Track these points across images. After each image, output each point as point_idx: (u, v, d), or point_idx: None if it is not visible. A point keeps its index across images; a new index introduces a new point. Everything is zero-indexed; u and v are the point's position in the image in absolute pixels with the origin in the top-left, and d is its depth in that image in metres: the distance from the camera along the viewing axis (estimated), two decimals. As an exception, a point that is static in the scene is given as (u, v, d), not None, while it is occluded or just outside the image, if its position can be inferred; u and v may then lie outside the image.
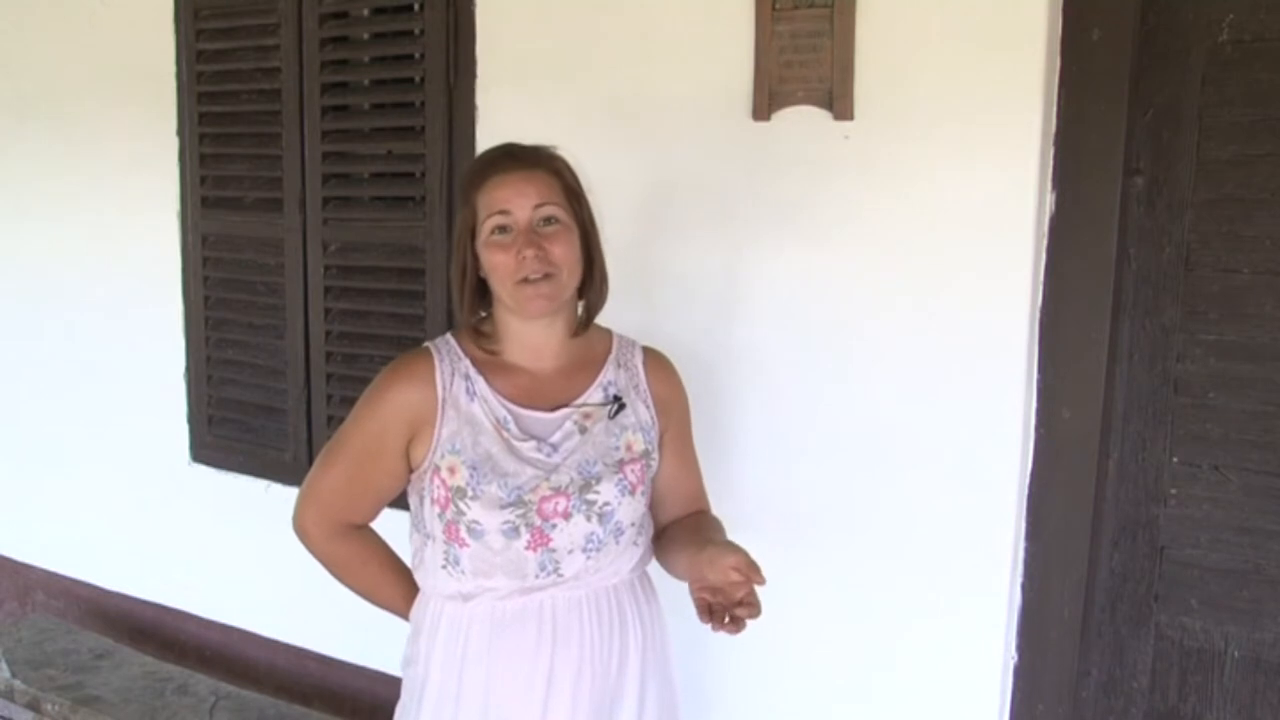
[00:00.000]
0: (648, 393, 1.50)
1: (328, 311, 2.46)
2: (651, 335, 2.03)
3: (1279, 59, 1.57)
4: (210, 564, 2.75)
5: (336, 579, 1.52)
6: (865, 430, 1.85)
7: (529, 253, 1.35)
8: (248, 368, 2.63)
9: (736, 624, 1.27)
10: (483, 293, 1.43)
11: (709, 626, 1.28)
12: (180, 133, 2.62)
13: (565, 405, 1.43)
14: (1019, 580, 1.78)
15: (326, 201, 2.42)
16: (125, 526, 2.91)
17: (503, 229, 1.37)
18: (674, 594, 2.13)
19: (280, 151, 2.46)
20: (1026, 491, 1.75)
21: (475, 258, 1.40)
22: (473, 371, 1.41)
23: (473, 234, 1.40)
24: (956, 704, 1.82)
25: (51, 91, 2.88)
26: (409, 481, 1.44)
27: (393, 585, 1.52)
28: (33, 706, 2.51)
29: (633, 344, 1.54)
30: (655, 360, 1.54)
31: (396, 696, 1.54)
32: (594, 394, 1.45)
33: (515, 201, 1.37)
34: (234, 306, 2.63)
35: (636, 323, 2.01)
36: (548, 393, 1.43)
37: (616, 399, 1.46)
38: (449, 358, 1.41)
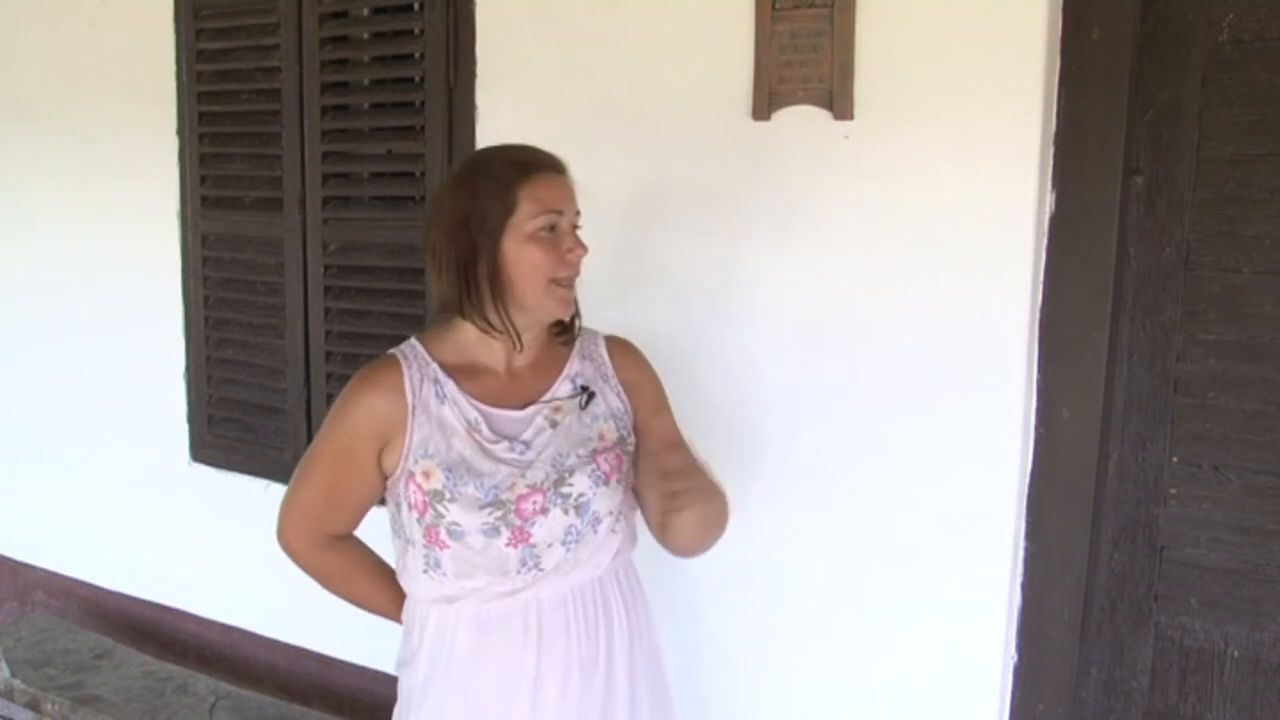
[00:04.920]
0: (616, 380, 1.52)
1: (328, 311, 2.46)
2: (651, 335, 2.03)
3: (1279, 59, 1.57)
4: (210, 564, 2.75)
5: (326, 589, 1.53)
6: (865, 429, 1.85)
7: (580, 252, 1.40)
8: (248, 368, 2.63)
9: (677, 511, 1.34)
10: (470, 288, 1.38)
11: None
12: (180, 133, 2.63)
13: (535, 402, 1.44)
14: (1019, 580, 1.78)
15: (326, 201, 2.42)
16: (125, 526, 2.91)
17: (553, 228, 1.38)
18: (671, 592, 2.13)
19: (280, 151, 2.46)
20: (1026, 491, 1.75)
21: (496, 250, 1.37)
22: (442, 375, 1.41)
23: (502, 226, 1.37)
24: (956, 704, 1.82)
25: (51, 91, 2.88)
26: (386, 489, 1.44)
27: (382, 591, 1.52)
28: (33, 706, 2.51)
29: (594, 334, 1.56)
30: (619, 347, 1.56)
31: (396, 696, 1.54)
32: (562, 387, 1.47)
33: (567, 204, 1.40)
34: (234, 306, 2.63)
35: (636, 322, 2.01)
36: (517, 391, 1.44)
37: (585, 389, 1.47)
38: (417, 363, 1.41)
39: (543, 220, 1.37)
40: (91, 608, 3.05)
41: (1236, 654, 1.69)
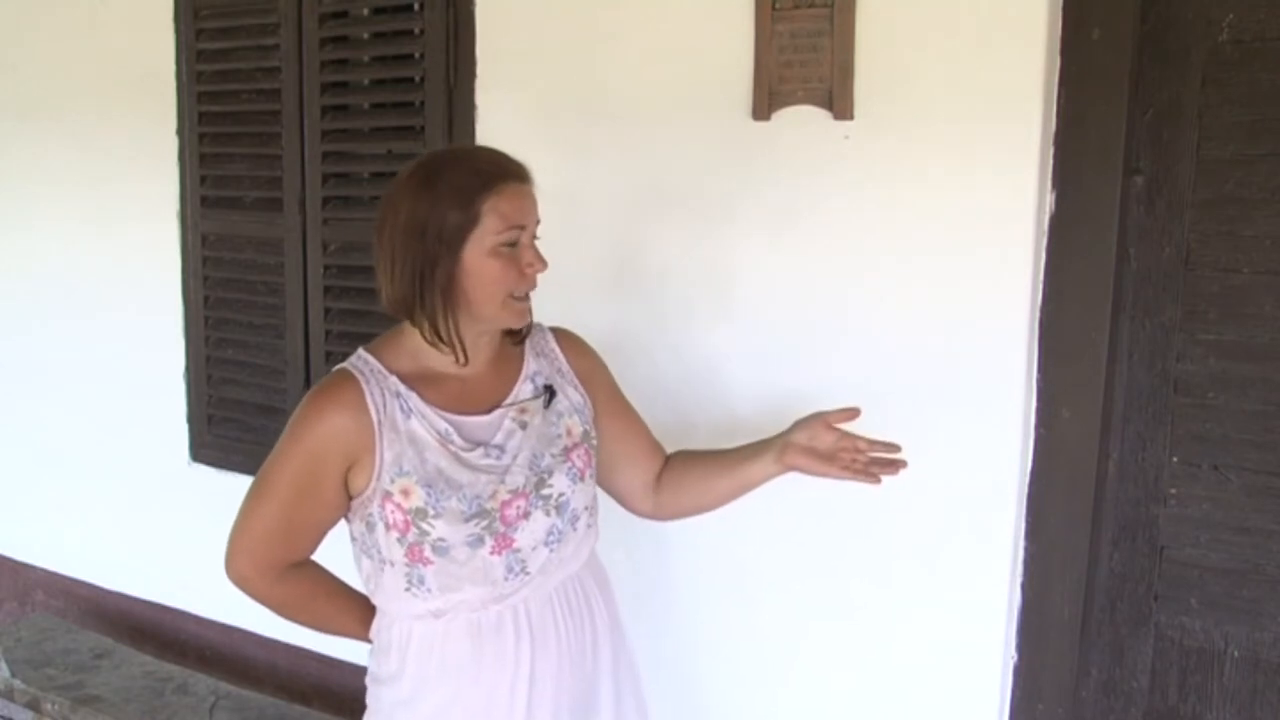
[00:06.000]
0: (572, 374, 1.51)
1: (328, 311, 2.46)
2: (650, 334, 2.03)
3: (1279, 59, 1.57)
4: (210, 563, 2.72)
5: (284, 618, 1.49)
6: (864, 430, 1.85)
7: (539, 267, 1.37)
8: (248, 368, 2.63)
9: (872, 476, 1.44)
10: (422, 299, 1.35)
11: (846, 478, 1.45)
12: (180, 133, 2.63)
13: (499, 405, 1.42)
14: (1019, 580, 1.78)
15: (326, 201, 2.42)
16: (125, 526, 2.91)
17: (514, 244, 1.35)
18: (663, 593, 2.12)
19: (280, 151, 2.46)
20: (1026, 491, 1.75)
21: (455, 262, 1.33)
22: (403, 388, 1.36)
23: (462, 238, 1.32)
24: (956, 704, 1.82)
25: (52, 91, 2.88)
26: (349, 509, 1.39)
27: (345, 613, 1.49)
28: (33, 706, 2.51)
29: (541, 328, 1.54)
30: (567, 339, 1.55)
31: (396, 696, 1.53)
32: (524, 388, 1.45)
33: (530, 216, 1.37)
34: (234, 306, 2.63)
35: (635, 322, 2.01)
36: (479, 395, 1.41)
37: (547, 388, 1.46)
38: (375, 378, 1.36)
39: (506, 236, 1.33)
40: (91, 608, 3.05)
41: (1236, 654, 1.69)
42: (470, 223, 1.32)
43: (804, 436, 1.47)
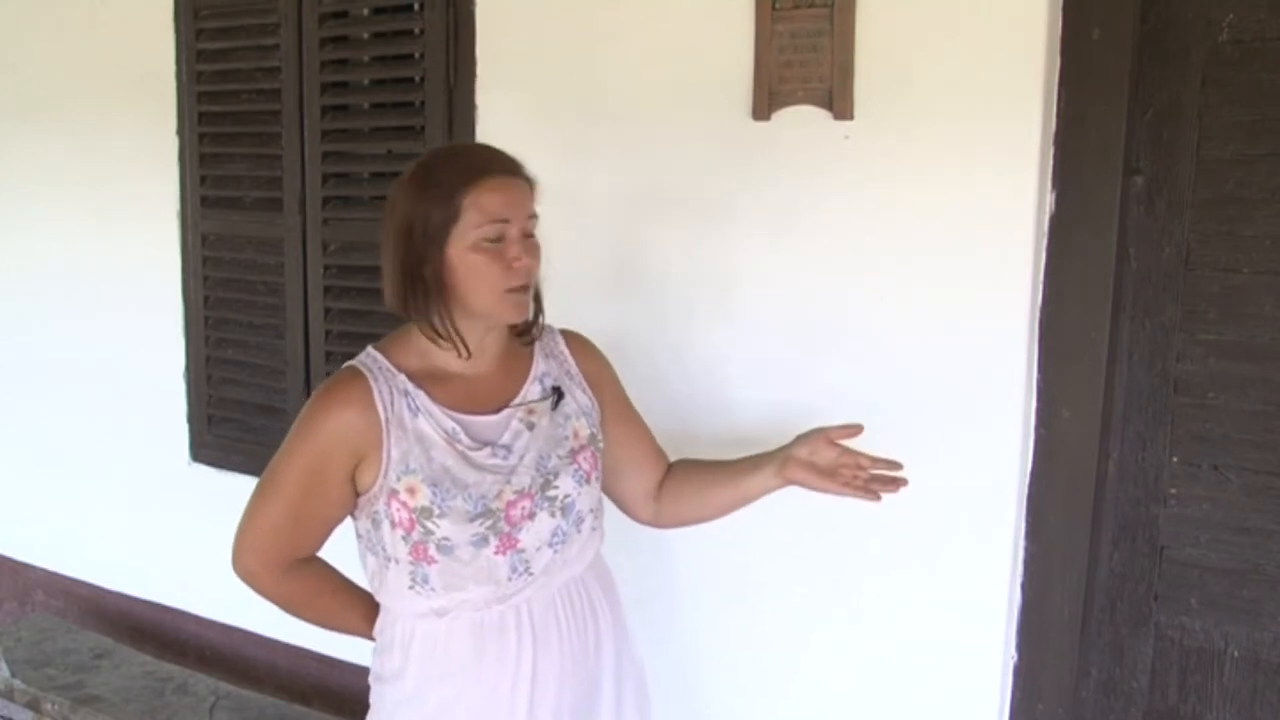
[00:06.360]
0: (580, 376, 1.51)
1: (328, 311, 2.46)
2: (650, 335, 2.03)
3: (1279, 59, 1.57)
4: (210, 563, 2.72)
5: (291, 615, 1.49)
6: (864, 432, 1.85)
7: (526, 261, 1.35)
8: (248, 368, 2.63)
9: (872, 493, 1.43)
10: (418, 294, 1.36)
11: (847, 495, 1.44)
12: (180, 133, 2.63)
13: (506, 405, 1.42)
14: (1019, 580, 1.78)
15: (326, 201, 2.42)
16: (125, 526, 2.91)
17: (499, 238, 1.33)
18: (662, 596, 2.12)
19: (280, 151, 2.46)
20: (1026, 491, 1.75)
21: (440, 258, 1.33)
22: (411, 387, 1.36)
23: (445, 234, 1.32)
24: (956, 704, 1.82)
25: (52, 91, 2.88)
26: (356, 506, 1.40)
27: (351, 609, 1.50)
28: (33, 706, 2.51)
29: (551, 330, 1.53)
30: (577, 342, 1.55)
31: (396, 697, 1.53)
32: (532, 389, 1.45)
33: (516, 210, 1.35)
34: (234, 306, 2.63)
35: (635, 322, 2.01)
36: (487, 395, 1.41)
37: (555, 389, 1.46)
38: (383, 376, 1.36)
39: (488, 230, 1.32)
40: (91, 608, 3.05)
41: (1236, 654, 1.69)
42: (451, 219, 1.32)
43: (805, 451, 1.47)
